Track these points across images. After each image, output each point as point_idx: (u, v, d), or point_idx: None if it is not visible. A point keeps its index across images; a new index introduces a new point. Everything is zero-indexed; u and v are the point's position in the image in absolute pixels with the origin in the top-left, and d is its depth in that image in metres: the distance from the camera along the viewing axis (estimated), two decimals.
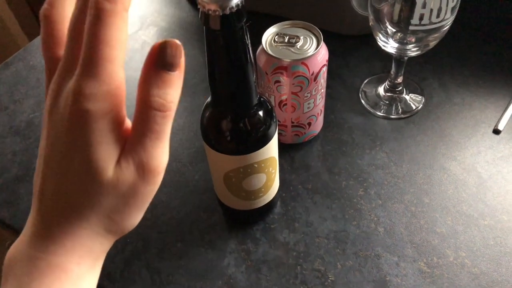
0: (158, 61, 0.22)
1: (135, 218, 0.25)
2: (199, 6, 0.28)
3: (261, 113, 0.36)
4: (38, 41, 0.69)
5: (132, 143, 0.23)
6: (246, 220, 0.46)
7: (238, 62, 0.31)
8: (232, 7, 0.28)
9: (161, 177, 0.25)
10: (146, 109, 0.22)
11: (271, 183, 0.42)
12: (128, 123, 0.24)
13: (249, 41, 0.31)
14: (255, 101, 0.36)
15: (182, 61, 0.23)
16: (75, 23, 0.22)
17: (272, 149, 0.39)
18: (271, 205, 0.45)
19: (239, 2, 0.28)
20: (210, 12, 0.28)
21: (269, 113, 0.37)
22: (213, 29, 0.29)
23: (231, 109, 0.35)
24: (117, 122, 0.22)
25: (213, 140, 0.37)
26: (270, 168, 0.40)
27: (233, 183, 0.40)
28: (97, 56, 0.21)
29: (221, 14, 0.28)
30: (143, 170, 0.23)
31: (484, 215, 0.45)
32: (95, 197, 0.23)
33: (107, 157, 0.22)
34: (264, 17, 0.68)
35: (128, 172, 0.23)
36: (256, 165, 0.38)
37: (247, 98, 0.35)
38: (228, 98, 0.34)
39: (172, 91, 0.23)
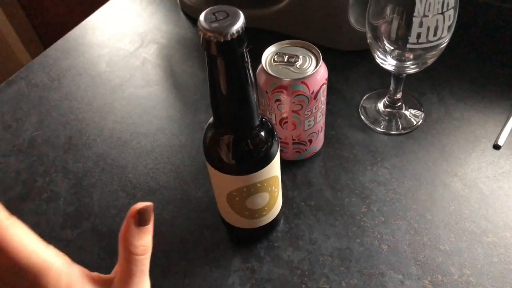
0: (139, 221, 0.28)
1: None
2: (200, 32, 0.29)
3: (263, 133, 0.37)
4: (40, 59, 0.70)
5: (124, 283, 0.29)
6: (249, 238, 0.46)
7: (240, 86, 0.32)
8: (233, 34, 0.28)
9: None
10: (132, 256, 0.28)
11: (274, 202, 0.42)
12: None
13: (250, 64, 0.31)
14: (257, 122, 0.36)
15: (152, 214, 0.30)
16: None
17: (274, 168, 0.39)
18: (274, 223, 0.45)
19: (239, 29, 0.28)
20: (211, 38, 0.28)
21: (271, 133, 0.37)
22: (214, 55, 0.29)
23: (233, 130, 0.36)
24: None
25: (216, 161, 0.37)
26: (273, 187, 0.41)
27: (236, 202, 0.40)
28: None
29: (222, 40, 0.28)
30: None
31: (487, 231, 0.45)
32: None
33: None
34: (262, 33, 0.68)
35: None
36: (259, 185, 0.39)
37: (249, 119, 0.35)
38: (230, 120, 0.35)
39: (149, 237, 0.29)
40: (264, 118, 0.38)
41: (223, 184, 0.39)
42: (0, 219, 0.26)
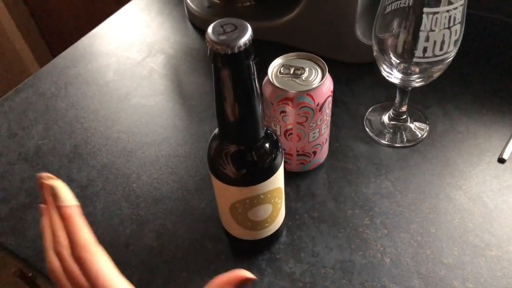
0: (237, 285, 0.30)
1: None
2: (207, 44, 0.29)
3: (267, 145, 0.37)
4: (48, 68, 0.71)
5: None
6: (251, 249, 0.46)
7: (246, 97, 0.32)
8: (240, 46, 0.29)
9: None
10: None
11: (277, 213, 0.42)
12: None
13: (256, 76, 0.32)
14: (262, 133, 0.36)
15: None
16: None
17: (278, 180, 0.39)
18: (277, 234, 0.45)
19: (247, 41, 0.29)
20: (218, 50, 0.29)
21: (275, 145, 0.38)
22: (221, 67, 0.30)
23: (238, 142, 0.36)
24: None
25: (220, 172, 0.37)
26: (276, 199, 0.41)
27: (239, 214, 0.40)
28: None
29: (229, 53, 0.29)
30: None
31: (490, 245, 0.44)
32: None
33: None
34: (269, 45, 0.69)
35: None
36: (262, 196, 0.39)
37: (254, 131, 0.35)
38: (236, 131, 0.35)
39: None
40: (269, 130, 0.38)
41: (226, 195, 0.39)
42: (90, 244, 0.30)
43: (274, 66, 0.46)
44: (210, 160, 0.38)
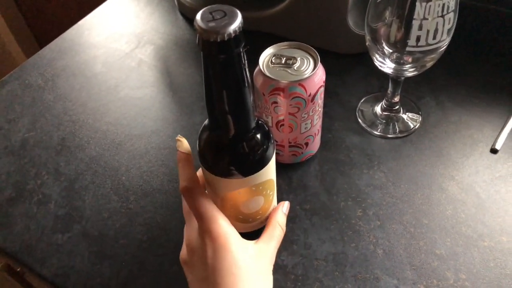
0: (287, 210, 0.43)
1: None
2: (196, 32, 0.28)
3: (259, 136, 0.36)
4: (34, 59, 0.69)
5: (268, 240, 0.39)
6: None
7: (236, 87, 0.31)
8: (230, 33, 0.28)
9: None
10: (278, 227, 0.40)
11: (268, 206, 0.42)
12: None
13: (247, 65, 0.31)
14: (253, 124, 0.35)
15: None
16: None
17: (270, 171, 0.38)
18: None
19: (237, 28, 0.28)
20: (207, 38, 0.28)
21: (267, 136, 0.37)
22: (211, 55, 0.29)
23: (229, 133, 0.35)
24: None
25: (211, 163, 0.37)
26: (268, 191, 0.40)
27: (231, 206, 0.39)
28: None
29: (218, 40, 0.28)
30: None
31: (483, 236, 0.44)
32: None
33: None
34: (260, 35, 0.68)
35: None
36: (254, 188, 0.38)
37: (244, 122, 0.34)
38: (226, 122, 0.34)
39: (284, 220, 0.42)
40: (261, 121, 0.37)
41: (217, 187, 0.38)
42: (195, 180, 0.37)
43: (266, 55, 0.45)
44: (200, 151, 0.37)
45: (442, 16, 0.42)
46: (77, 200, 0.51)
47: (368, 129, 0.55)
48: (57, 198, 0.51)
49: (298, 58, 0.45)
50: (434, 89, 0.59)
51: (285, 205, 0.43)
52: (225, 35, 0.27)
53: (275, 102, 0.44)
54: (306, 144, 0.49)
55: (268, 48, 0.46)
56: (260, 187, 0.38)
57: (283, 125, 0.47)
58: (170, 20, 0.74)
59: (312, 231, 0.46)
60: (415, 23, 0.42)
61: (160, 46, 0.70)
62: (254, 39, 0.69)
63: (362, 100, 0.58)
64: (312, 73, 0.43)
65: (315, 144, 0.51)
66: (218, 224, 0.35)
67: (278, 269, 0.43)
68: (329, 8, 0.60)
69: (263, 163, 0.37)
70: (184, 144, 0.38)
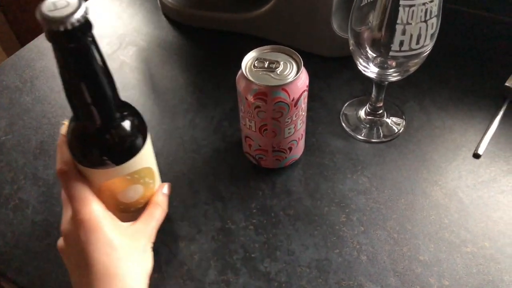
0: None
1: None
2: (41, 23, 0.28)
3: (126, 123, 0.36)
4: (12, 60, 0.67)
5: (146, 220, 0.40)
6: None
7: (90, 75, 0.31)
8: (74, 22, 0.28)
9: None
10: (157, 206, 0.41)
11: (150, 194, 0.42)
12: None
13: (100, 51, 0.31)
14: (117, 111, 0.35)
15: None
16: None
17: (144, 159, 0.38)
18: None
19: (80, 17, 0.28)
20: (51, 28, 0.28)
21: (136, 122, 0.37)
22: (58, 45, 0.29)
23: (92, 122, 0.34)
24: None
25: (79, 155, 0.36)
26: (146, 179, 0.40)
27: (108, 196, 0.39)
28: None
29: (62, 29, 0.28)
30: None
31: (466, 242, 0.44)
32: None
33: None
34: (244, 38, 0.67)
35: None
36: (129, 177, 0.38)
37: (106, 109, 0.34)
38: (86, 112, 0.34)
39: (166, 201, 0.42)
40: (131, 106, 0.37)
41: (90, 179, 0.38)
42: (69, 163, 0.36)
43: (248, 59, 0.45)
44: (68, 144, 0.36)
45: (425, 21, 0.42)
46: (55, 206, 0.49)
47: (352, 134, 0.55)
48: (34, 203, 0.50)
49: (281, 62, 0.44)
50: (418, 93, 0.59)
51: (165, 186, 0.43)
52: (69, 24, 0.27)
53: (258, 107, 0.44)
54: (290, 148, 0.49)
55: (251, 52, 0.45)
56: (136, 176, 0.38)
57: (266, 129, 0.46)
58: (153, 21, 0.73)
59: (296, 237, 0.46)
60: (398, 28, 0.42)
61: (142, 47, 0.68)
62: (237, 42, 0.68)
63: (346, 104, 0.58)
64: (295, 77, 0.42)
65: (299, 149, 0.51)
66: (89, 207, 0.34)
67: (261, 276, 0.43)
68: (313, 11, 0.59)
69: (133, 150, 0.37)
70: (65, 126, 0.37)
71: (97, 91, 0.32)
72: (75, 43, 0.29)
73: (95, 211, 0.35)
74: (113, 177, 0.37)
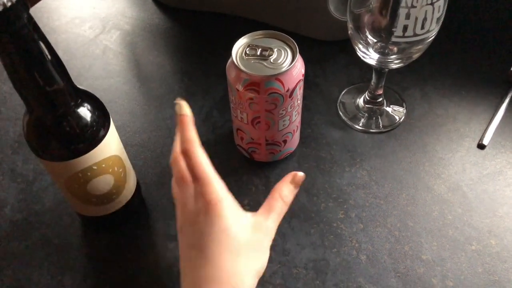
0: (295, 182, 0.36)
1: None
2: None
3: (83, 112, 0.34)
4: None
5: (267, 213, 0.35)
6: (107, 227, 0.43)
7: (33, 62, 0.29)
8: (6, 2, 0.26)
9: None
10: (280, 200, 0.35)
11: (122, 183, 0.40)
12: None
13: (42, 34, 0.29)
14: (72, 99, 0.33)
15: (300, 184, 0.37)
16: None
17: (109, 147, 0.36)
18: (131, 205, 0.42)
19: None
20: None
21: (96, 110, 0.34)
22: None
23: (45, 113, 0.32)
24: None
25: (37, 148, 0.34)
26: (115, 168, 0.38)
27: (77, 190, 0.37)
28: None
29: None
30: None
31: (471, 239, 0.42)
32: None
33: None
34: (235, 20, 0.63)
35: None
36: (95, 167, 0.36)
37: (58, 98, 0.32)
38: (36, 102, 0.31)
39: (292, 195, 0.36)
40: (89, 93, 0.35)
41: (55, 173, 0.36)
42: (195, 141, 0.34)
43: (239, 46, 0.41)
44: (25, 138, 0.34)
45: (432, 3, 0.38)
46: (36, 204, 0.46)
47: (350, 123, 0.52)
48: (13, 202, 0.46)
49: (275, 49, 0.41)
50: (419, 80, 0.56)
51: (292, 176, 0.36)
52: None
53: (250, 98, 0.40)
54: (285, 141, 0.46)
55: (242, 38, 0.42)
56: (103, 165, 0.36)
57: (259, 122, 0.43)
58: (137, 3, 0.69)
59: (291, 235, 0.43)
60: (402, 12, 0.39)
61: (127, 31, 0.64)
62: (229, 24, 0.64)
63: (343, 92, 0.55)
64: (290, 66, 0.39)
65: (294, 141, 0.48)
66: (212, 187, 0.32)
67: None
68: None
69: (95, 139, 0.35)
70: (184, 106, 0.35)
71: (41, 80, 0.30)
72: (9, 28, 0.27)
73: (218, 191, 0.32)
74: (79, 169, 0.35)
